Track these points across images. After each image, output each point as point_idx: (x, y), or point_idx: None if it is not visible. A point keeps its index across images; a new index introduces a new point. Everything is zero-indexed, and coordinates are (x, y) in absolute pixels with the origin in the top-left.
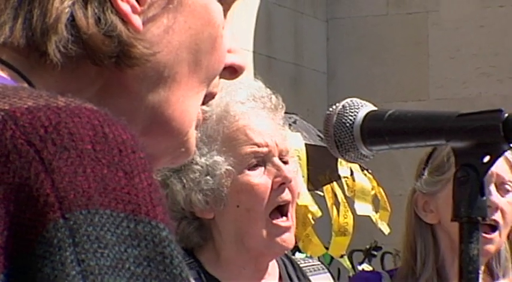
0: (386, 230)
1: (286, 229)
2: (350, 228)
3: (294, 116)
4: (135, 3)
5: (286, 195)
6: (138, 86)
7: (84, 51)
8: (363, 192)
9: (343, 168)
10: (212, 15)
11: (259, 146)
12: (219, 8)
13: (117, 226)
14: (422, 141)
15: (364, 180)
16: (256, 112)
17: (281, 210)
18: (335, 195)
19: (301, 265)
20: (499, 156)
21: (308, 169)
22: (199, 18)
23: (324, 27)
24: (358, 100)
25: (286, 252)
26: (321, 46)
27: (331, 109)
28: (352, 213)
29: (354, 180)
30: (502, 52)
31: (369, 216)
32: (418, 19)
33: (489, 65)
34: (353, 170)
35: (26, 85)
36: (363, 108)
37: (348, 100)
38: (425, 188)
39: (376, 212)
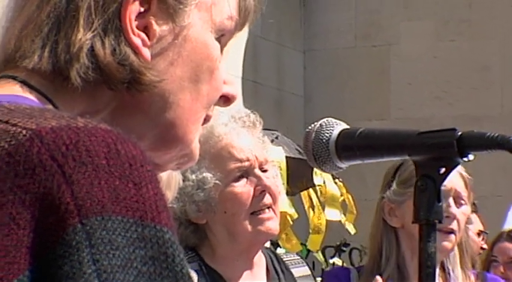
0: (352, 230)
1: (268, 219)
2: (323, 228)
3: (276, 132)
4: (145, 38)
5: (266, 199)
6: (147, 108)
7: (101, 77)
8: (332, 199)
9: (317, 177)
10: (211, 51)
11: (241, 161)
12: (216, 45)
13: (127, 230)
14: (388, 156)
15: (334, 188)
16: (237, 131)
17: (262, 212)
18: (311, 199)
19: (284, 259)
20: (453, 168)
21: (288, 177)
22: (200, 53)
23: (302, 57)
24: (333, 120)
25: (269, 246)
26: (299, 74)
27: (310, 127)
28: (324, 215)
29: (326, 188)
30: (452, 79)
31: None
32: (382, 51)
33: (442, 90)
34: (325, 179)
35: (50, 106)
36: (337, 126)
37: (325, 120)
38: (394, 197)
39: (345, 214)
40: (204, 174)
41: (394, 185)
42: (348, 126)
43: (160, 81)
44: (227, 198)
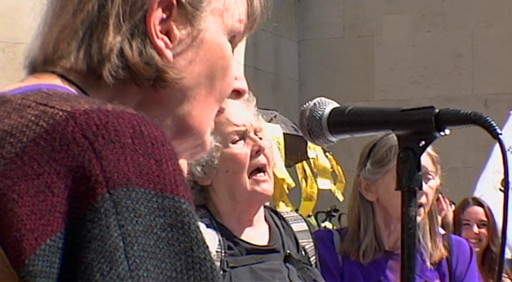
0: (341, 197)
1: (264, 181)
2: (315, 196)
3: (274, 112)
4: (168, 41)
5: (262, 159)
6: (168, 102)
7: (130, 75)
8: (324, 170)
9: (311, 151)
10: (224, 51)
11: (238, 126)
12: (228, 45)
13: (149, 200)
14: (374, 131)
15: (325, 161)
16: (234, 102)
17: (260, 170)
18: (304, 171)
19: (284, 216)
20: (431, 141)
21: (285, 151)
22: (214, 53)
23: (297, 46)
24: (325, 99)
25: (268, 203)
26: (294, 61)
27: (305, 106)
28: (316, 184)
29: (318, 160)
30: (428, 65)
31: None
32: (367, 41)
33: (419, 75)
34: (318, 152)
35: (78, 94)
36: (329, 105)
37: (318, 99)
38: (368, 176)
39: (335, 184)
40: (207, 149)
41: (368, 164)
42: (338, 105)
43: (181, 78)
44: (227, 158)
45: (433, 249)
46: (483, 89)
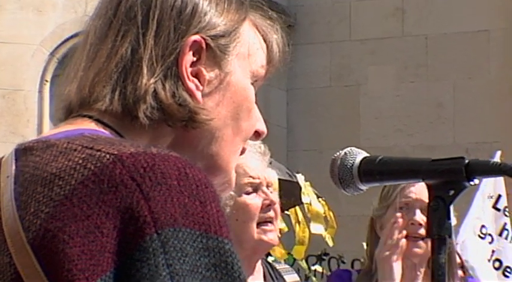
0: (331, 243)
1: (271, 231)
2: (306, 240)
3: (270, 158)
4: (198, 83)
5: (271, 213)
6: (198, 142)
7: (163, 116)
8: (317, 215)
9: (305, 196)
10: (248, 93)
11: (253, 178)
12: (252, 88)
13: (194, 241)
14: (404, 180)
15: (319, 206)
16: (252, 154)
17: (267, 223)
18: (297, 216)
19: (277, 267)
20: (461, 191)
21: (280, 196)
22: (240, 95)
23: (285, 95)
24: (356, 149)
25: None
26: (283, 109)
27: (335, 155)
28: (308, 229)
29: (311, 205)
30: (412, 115)
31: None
32: (352, 90)
33: (403, 124)
34: (311, 198)
35: (120, 138)
36: (359, 154)
37: (348, 148)
38: (376, 213)
39: (326, 229)
40: (233, 186)
41: (375, 203)
42: (368, 154)
43: (211, 119)
44: (239, 207)
45: None
46: (464, 138)
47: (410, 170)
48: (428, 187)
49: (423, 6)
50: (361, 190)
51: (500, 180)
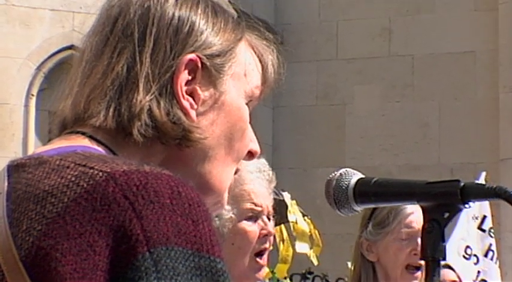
0: (315, 262)
1: (262, 267)
2: (290, 258)
3: None
4: (193, 102)
5: (267, 244)
6: (190, 161)
7: (157, 134)
8: (303, 234)
9: (291, 215)
10: (242, 113)
11: (256, 205)
12: (246, 108)
13: (186, 260)
14: (399, 202)
15: (304, 225)
16: (259, 181)
17: (261, 253)
18: (282, 234)
19: None
20: (456, 213)
21: None
22: (234, 115)
23: (271, 112)
24: (351, 170)
25: None
26: (269, 126)
27: (331, 175)
28: (292, 248)
29: (297, 224)
30: (397, 134)
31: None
32: (338, 109)
33: (388, 143)
34: (297, 216)
35: (113, 155)
36: (354, 175)
37: (344, 170)
38: (370, 237)
39: (311, 248)
40: (225, 206)
41: (370, 226)
42: (363, 176)
43: (205, 138)
44: (238, 232)
45: None
46: (449, 158)
47: (405, 192)
48: (423, 209)
49: (410, 27)
50: (356, 211)
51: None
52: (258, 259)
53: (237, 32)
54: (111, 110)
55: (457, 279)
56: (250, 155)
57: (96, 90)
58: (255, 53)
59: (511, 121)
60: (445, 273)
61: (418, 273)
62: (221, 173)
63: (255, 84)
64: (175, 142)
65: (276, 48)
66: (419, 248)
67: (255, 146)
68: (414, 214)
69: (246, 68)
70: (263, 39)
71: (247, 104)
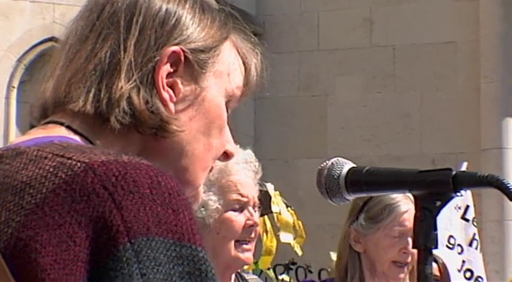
0: (299, 252)
1: (248, 250)
2: (273, 250)
3: None
4: (172, 94)
5: (252, 234)
6: (167, 153)
7: (134, 122)
8: (286, 224)
9: (275, 205)
10: (222, 111)
11: (242, 196)
12: (224, 107)
13: (167, 249)
14: (391, 190)
15: (288, 216)
16: (246, 172)
17: (247, 241)
18: (265, 225)
19: (247, 278)
20: (448, 201)
21: None
22: (213, 112)
23: (252, 104)
24: (342, 159)
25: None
26: (250, 117)
27: (322, 165)
28: (276, 239)
29: (281, 215)
30: (379, 125)
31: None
32: (320, 100)
33: (370, 134)
34: (281, 207)
35: (90, 145)
36: (346, 165)
37: (335, 159)
38: (360, 229)
39: (294, 238)
40: (211, 197)
41: (361, 219)
42: (355, 165)
43: (182, 131)
44: (223, 222)
45: None
46: (431, 148)
47: (397, 181)
48: (415, 198)
49: (391, 17)
50: (348, 200)
51: (468, 191)
52: (243, 245)
53: (222, 31)
54: (91, 95)
55: (437, 274)
56: (226, 155)
57: (77, 74)
58: (239, 54)
59: (492, 111)
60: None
61: (405, 268)
62: (198, 169)
63: (236, 85)
64: (152, 131)
65: (261, 51)
66: (409, 247)
67: (231, 147)
68: (408, 212)
69: (229, 68)
70: (248, 42)
71: (226, 104)
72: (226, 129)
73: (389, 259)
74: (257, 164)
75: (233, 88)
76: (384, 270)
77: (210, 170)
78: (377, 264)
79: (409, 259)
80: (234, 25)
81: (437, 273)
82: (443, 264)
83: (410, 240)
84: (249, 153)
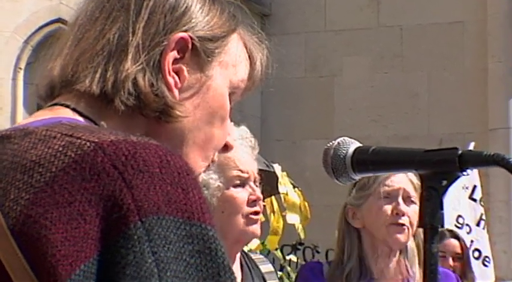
0: (302, 235)
1: (255, 222)
2: (280, 230)
3: None
4: (178, 80)
5: (257, 208)
6: (169, 139)
7: (138, 104)
8: (293, 205)
9: (282, 186)
10: (225, 102)
11: (242, 172)
12: (228, 99)
13: (178, 228)
14: (397, 170)
15: (295, 196)
16: (243, 148)
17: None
18: (272, 205)
19: (252, 257)
20: (454, 181)
21: None
22: (217, 101)
23: (260, 85)
24: (349, 138)
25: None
26: (257, 99)
27: (329, 144)
28: (283, 219)
29: (288, 195)
30: (386, 105)
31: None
32: (327, 81)
33: (377, 115)
34: (288, 188)
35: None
36: (352, 144)
37: (342, 138)
38: (353, 201)
39: (300, 221)
40: (211, 176)
41: (353, 192)
42: (361, 144)
43: (185, 117)
44: (226, 200)
45: (421, 279)
46: (438, 128)
47: (403, 160)
48: (421, 177)
49: None
50: (354, 180)
51: (475, 171)
52: (251, 215)
53: (231, 23)
54: (97, 75)
55: (460, 252)
56: (225, 147)
57: (85, 54)
58: (246, 47)
59: (499, 91)
60: (449, 243)
61: (404, 230)
62: (198, 157)
63: (241, 77)
64: (155, 115)
65: (267, 47)
66: (400, 207)
67: (231, 140)
68: (395, 176)
69: (235, 59)
70: (255, 37)
71: (229, 96)
72: (228, 121)
73: (385, 223)
74: (253, 139)
75: (238, 80)
76: (383, 236)
77: (212, 162)
78: (375, 232)
79: (405, 220)
80: (242, 19)
81: (459, 251)
82: (464, 242)
83: (401, 200)
84: (243, 129)
